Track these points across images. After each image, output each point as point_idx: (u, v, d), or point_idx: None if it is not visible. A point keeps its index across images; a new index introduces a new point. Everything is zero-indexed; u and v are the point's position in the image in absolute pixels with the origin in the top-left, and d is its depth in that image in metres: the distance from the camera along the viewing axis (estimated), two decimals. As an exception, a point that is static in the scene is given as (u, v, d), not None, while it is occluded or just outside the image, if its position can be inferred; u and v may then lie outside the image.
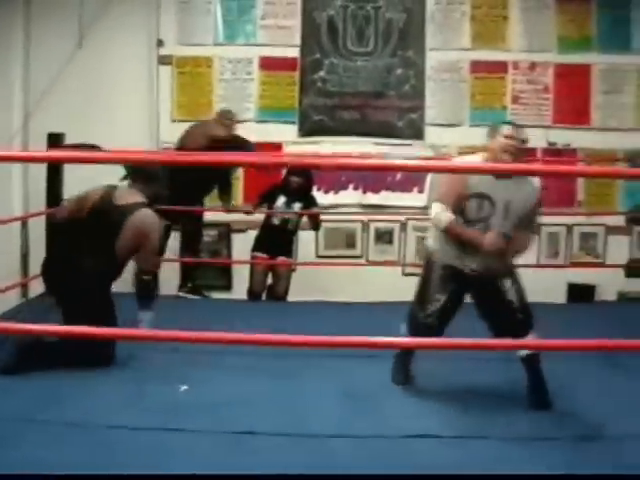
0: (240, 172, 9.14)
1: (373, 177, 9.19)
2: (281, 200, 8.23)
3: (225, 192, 8.51)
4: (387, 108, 9.27)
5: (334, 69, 9.27)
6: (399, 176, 9.09)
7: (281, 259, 8.33)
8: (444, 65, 9.29)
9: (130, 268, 5.95)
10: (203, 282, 8.84)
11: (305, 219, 8.39)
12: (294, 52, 9.28)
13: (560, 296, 8.91)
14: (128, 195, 5.76)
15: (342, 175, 9.22)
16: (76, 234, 5.72)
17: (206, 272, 9.04)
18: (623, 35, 9.21)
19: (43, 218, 8.01)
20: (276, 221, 8.29)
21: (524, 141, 5.01)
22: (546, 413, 4.77)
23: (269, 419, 4.51)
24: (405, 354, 5.23)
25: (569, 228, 9.37)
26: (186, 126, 8.45)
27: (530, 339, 4.88)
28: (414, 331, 5.00)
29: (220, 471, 3.75)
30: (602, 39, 9.23)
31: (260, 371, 5.34)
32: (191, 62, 9.27)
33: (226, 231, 9.30)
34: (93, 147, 7.59)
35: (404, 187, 9.09)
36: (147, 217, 5.71)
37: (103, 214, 5.64)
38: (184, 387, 5.03)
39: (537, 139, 9.19)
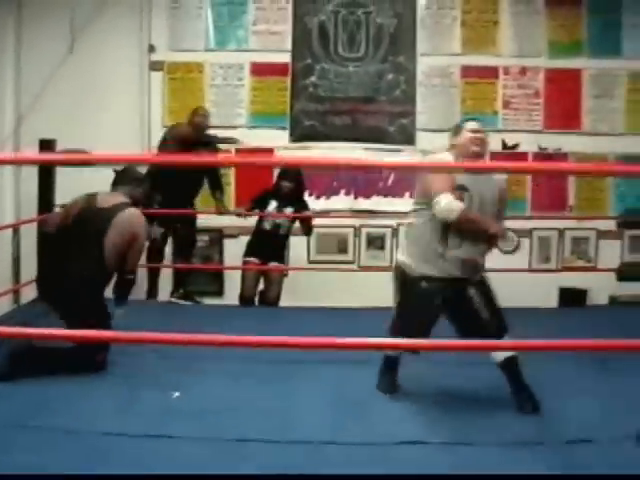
0: (232, 177, 9.15)
1: (364, 182, 9.20)
2: (272, 205, 8.23)
3: (216, 187, 8.51)
4: (378, 113, 9.28)
5: (325, 74, 9.28)
6: (390, 181, 9.10)
7: (273, 264, 8.33)
8: (435, 70, 9.30)
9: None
10: (195, 288, 8.86)
11: (297, 224, 8.39)
12: (285, 57, 9.29)
13: (552, 300, 8.92)
14: (111, 198, 5.82)
15: (334, 180, 9.23)
16: (64, 242, 5.76)
17: (198, 278, 9.05)
18: (613, 40, 9.23)
19: (35, 225, 8.02)
20: (268, 226, 8.28)
21: (486, 135, 5.18)
22: (536, 417, 4.79)
23: (260, 425, 4.52)
24: (391, 365, 5.25)
25: (560, 232, 9.38)
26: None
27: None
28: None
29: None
30: (592, 44, 9.25)
31: (252, 377, 5.35)
32: (182, 68, 9.27)
33: (218, 237, 9.30)
34: (84, 154, 7.58)
35: (395, 192, 9.10)
36: (132, 216, 5.75)
37: (88, 219, 5.68)
38: (176, 394, 5.03)
39: (528, 144, 9.26)
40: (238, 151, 8.96)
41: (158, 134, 8.71)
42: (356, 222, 9.31)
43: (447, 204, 4.82)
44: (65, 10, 8.82)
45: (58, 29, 8.86)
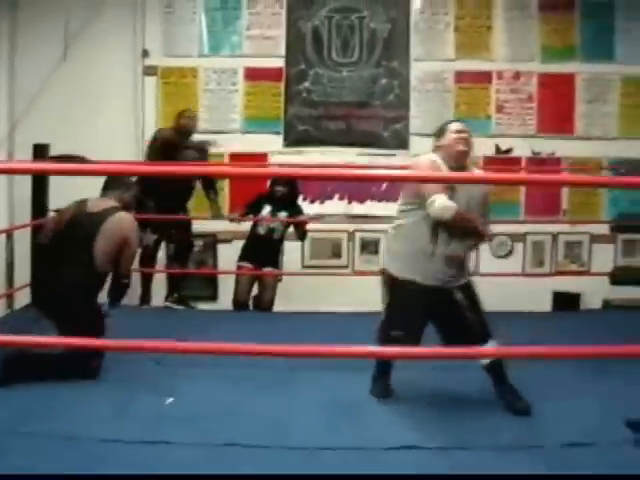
0: (226, 182, 9.15)
1: (358, 187, 9.19)
2: (266, 210, 8.23)
3: (210, 188, 8.49)
4: (372, 118, 9.29)
5: (319, 79, 9.29)
6: (384, 186, 9.10)
7: (267, 269, 8.33)
8: (428, 75, 9.32)
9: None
10: (189, 293, 8.85)
11: (291, 229, 8.39)
12: (279, 62, 9.30)
13: (545, 304, 8.94)
14: (101, 203, 5.84)
15: (327, 185, 9.23)
16: (56, 248, 5.78)
17: (192, 282, 9.05)
18: (606, 44, 9.26)
19: (28, 229, 8.01)
20: (262, 231, 8.28)
21: (470, 135, 5.19)
22: (530, 421, 4.80)
23: (255, 431, 4.52)
24: (384, 369, 5.27)
25: (554, 237, 9.40)
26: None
27: (490, 347, 4.96)
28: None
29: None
30: (585, 48, 9.27)
31: (247, 382, 5.35)
32: (176, 72, 9.27)
33: (212, 242, 9.30)
34: (79, 158, 7.59)
35: (389, 197, 9.07)
36: (122, 220, 5.76)
37: (78, 224, 5.70)
38: (170, 399, 5.03)
39: (521, 148, 9.27)
40: (232, 156, 9.00)
41: (152, 139, 8.70)
42: (350, 227, 9.32)
43: (442, 204, 4.85)
44: (59, 15, 8.83)
45: (52, 34, 8.86)
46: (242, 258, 8.36)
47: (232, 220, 8.55)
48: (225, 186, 9.19)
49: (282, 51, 9.29)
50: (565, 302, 8.97)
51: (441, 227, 4.96)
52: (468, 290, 5.16)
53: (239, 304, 8.31)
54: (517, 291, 8.38)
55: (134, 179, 6.60)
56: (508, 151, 9.31)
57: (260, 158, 9.07)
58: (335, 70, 9.28)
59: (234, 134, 9.25)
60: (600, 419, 4.77)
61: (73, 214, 5.81)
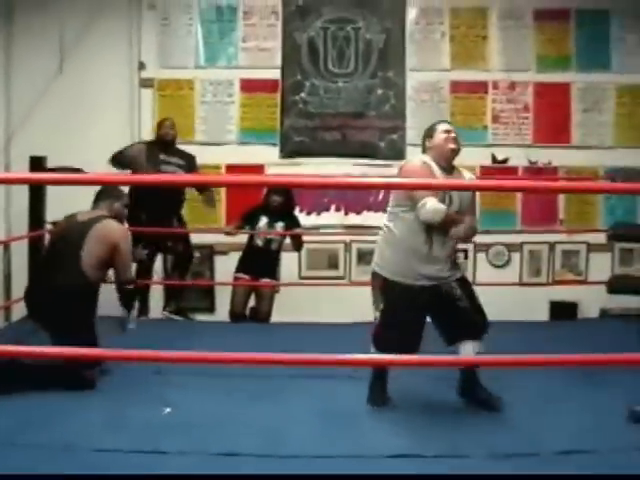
0: (222, 194, 9.16)
1: (355, 198, 9.19)
2: (263, 221, 8.24)
3: (202, 190, 8.48)
4: (368, 129, 9.29)
5: (315, 90, 9.29)
6: (381, 196, 9.09)
7: (265, 280, 8.33)
8: (424, 85, 9.32)
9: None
10: (186, 304, 8.83)
11: (288, 240, 8.39)
12: (275, 74, 9.29)
13: (543, 314, 8.94)
14: (91, 212, 5.90)
15: (324, 196, 9.23)
16: (48, 260, 5.84)
17: (189, 294, 9.03)
18: (602, 54, 9.27)
19: (26, 241, 8.02)
20: (259, 242, 8.29)
21: (456, 134, 5.30)
22: (527, 429, 4.80)
23: (251, 440, 4.52)
24: (380, 376, 5.27)
25: (551, 246, 9.39)
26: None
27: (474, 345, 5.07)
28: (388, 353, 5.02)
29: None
30: (581, 58, 9.28)
31: (242, 392, 5.36)
32: (172, 84, 9.27)
33: (209, 253, 9.29)
34: (76, 170, 7.59)
35: (386, 207, 9.07)
36: (108, 226, 5.82)
37: (67, 234, 5.78)
38: (167, 409, 5.03)
39: (518, 158, 9.28)
40: (228, 168, 9.02)
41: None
42: (347, 237, 9.31)
43: (432, 207, 4.91)
44: (54, 28, 8.83)
45: (48, 47, 8.86)
46: (239, 269, 8.36)
47: (227, 233, 8.53)
48: (222, 197, 9.19)
49: (278, 62, 9.30)
50: (562, 311, 8.96)
51: (435, 229, 5.02)
52: (464, 283, 5.26)
53: (236, 315, 8.31)
54: (514, 301, 8.38)
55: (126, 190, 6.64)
56: (505, 161, 9.31)
57: (256, 169, 9.07)
58: (331, 81, 9.29)
59: (230, 145, 9.25)
60: (597, 428, 4.77)
61: (64, 226, 5.90)
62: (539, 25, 9.30)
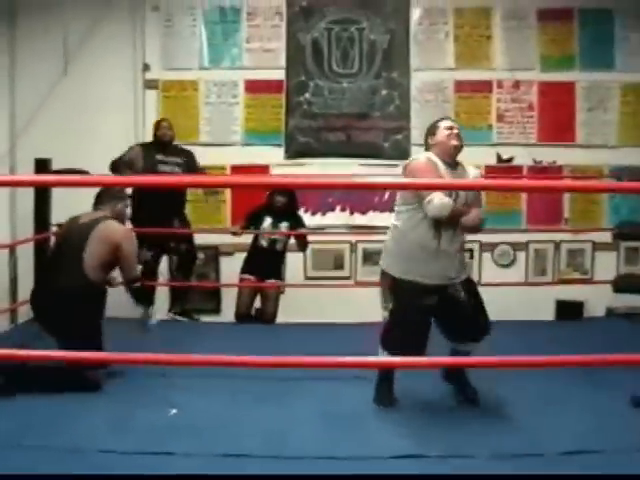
0: (227, 195, 9.18)
1: (360, 198, 9.20)
2: (267, 221, 8.24)
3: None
4: (372, 129, 9.29)
5: (319, 91, 9.30)
6: (386, 196, 9.09)
7: (270, 281, 8.33)
8: (428, 85, 9.32)
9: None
10: (192, 306, 8.83)
11: (292, 240, 8.39)
12: (279, 74, 9.30)
13: (549, 313, 8.93)
14: (92, 214, 5.91)
15: (329, 196, 9.23)
16: (51, 262, 5.88)
17: (194, 295, 9.04)
18: (605, 53, 9.26)
19: (31, 244, 8.03)
20: (264, 243, 8.29)
21: (459, 129, 5.33)
22: (531, 429, 4.80)
23: (257, 441, 4.53)
24: (387, 376, 5.28)
25: (556, 245, 9.39)
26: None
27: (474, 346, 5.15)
28: (397, 353, 5.02)
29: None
30: (584, 57, 9.27)
31: (248, 394, 5.36)
32: (177, 86, 9.28)
33: (214, 254, 9.30)
34: (81, 172, 7.60)
35: (391, 207, 9.03)
36: (113, 227, 5.85)
37: (70, 235, 5.80)
38: (173, 411, 5.04)
39: (523, 157, 9.27)
40: (233, 169, 9.04)
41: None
42: (352, 238, 9.31)
43: (439, 202, 4.92)
44: (58, 30, 8.84)
45: (51, 49, 8.87)
46: (244, 270, 8.37)
47: (234, 234, 8.53)
48: (227, 198, 9.20)
49: (282, 63, 9.30)
50: (568, 310, 8.95)
51: (443, 224, 5.03)
52: (469, 284, 5.28)
53: (241, 316, 8.31)
54: (520, 300, 8.38)
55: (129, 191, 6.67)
56: (509, 160, 9.31)
57: (261, 170, 9.07)
58: (335, 81, 9.29)
59: (235, 146, 9.26)
60: (602, 428, 4.77)
61: (67, 228, 5.92)
62: (543, 25, 9.29)
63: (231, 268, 8.76)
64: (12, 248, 8.70)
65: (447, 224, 5.04)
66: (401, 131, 9.29)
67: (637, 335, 6.67)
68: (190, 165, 8.34)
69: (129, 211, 7.28)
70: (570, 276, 9.39)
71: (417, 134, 9.03)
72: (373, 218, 9.27)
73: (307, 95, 9.31)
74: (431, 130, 5.33)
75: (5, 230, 8.82)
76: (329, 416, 4.99)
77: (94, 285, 5.74)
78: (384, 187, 7.96)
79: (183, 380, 5.40)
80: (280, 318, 8.34)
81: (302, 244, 8.44)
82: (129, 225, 6.57)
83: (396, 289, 5.23)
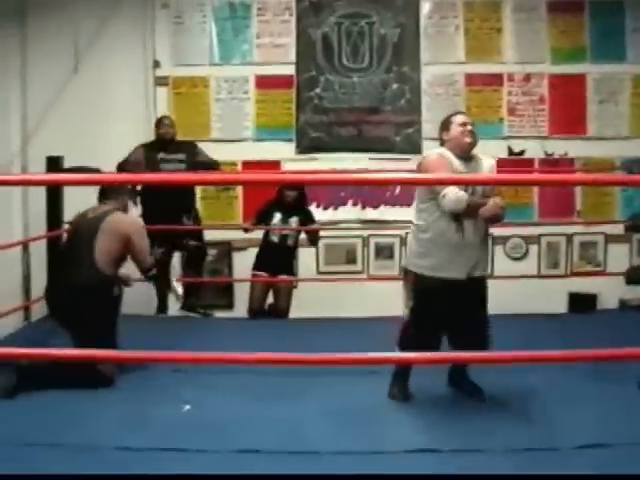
0: (239, 190, 9.19)
1: (372, 192, 9.19)
2: (277, 217, 8.22)
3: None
4: (383, 123, 9.28)
5: (330, 86, 9.30)
6: (397, 191, 9.09)
7: (282, 277, 8.34)
8: (439, 79, 9.31)
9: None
10: (205, 301, 8.86)
11: (303, 234, 8.39)
12: (290, 70, 9.31)
13: (561, 306, 8.92)
14: (98, 208, 5.94)
15: (341, 191, 9.23)
16: (63, 258, 5.92)
17: (208, 291, 9.06)
18: (616, 44, 9.24)
19: (44, 242, 8.05)
20: (275, 239, 8.28)
21: (473, 126, 5.30)
22: (546, 424, 4.79)
23: (271, 437, 4.53)
24: (403, 372, 5.28)
25: (569, 238, 9.38)
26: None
27: None
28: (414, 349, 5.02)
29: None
30: (595, 49, 9.25)
31: (262, 389, 5.36)
32: (187, 82, 9.29)
33: (227, 250, 9.31)
34: (93, 170, 7.62)
35: (403, 201, 9.04)
36: (121, 219, 5.89)
37: (79, 230, 5.83)
38: (187, 407, 5.05)
39: (534, 150, 9.26)
40: (245, 165, 9.05)
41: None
42: (364, 232, 9.32)
43: (453, 196, 4.90)
44: (69, 29, 8.87)
45: (62, 48, 8.89)
46: (256, 267, 8.36)
47: (245, 230, 8.53)
48: (239, 194, 9.21)
49: (292, 58, 9.31)
50: (581, 303, 8.94)
51: (463, 217, 5.02)
52: (483, 290, 5.27)
53: (254, 312, 8.31)
54: (533, 293, 8.38)
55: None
56: (521, 153, 9.30)
57: (273, 166, 9.08)
58: (346, 76, 9.29)
59: (246, 142, 9.27)
60: (617, 421, 4.76)
61: (75, 224, 5.95)
62: (553, 17, 9.28)
63: (244, 263, 8.77)
64: (25, 246, 8.73)
65: (467, 216, 5.03)
66: (412, 125, 9.29)
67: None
68: (194, 159, 8.33)
69: (139, 208, 7.35)
70: (583, 269, 9.38)
71: (428, 128, 9.04)
72: (385, 212, 9.27)
73: (318, 90, 9.31)
74: (445, 125, 5.33)
75: (18, 228, 8.85)
76: (344, 411, 4.98)
77: (108, 278, 5.75)
78: (395, 183, 7.97)
79: (197, 376, 5.42)
80: (293, 313, 8.35)
81: (313, 238, 8.44)
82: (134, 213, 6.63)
83: (420, 286, 5.22)
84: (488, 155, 5.47)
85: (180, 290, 7.96)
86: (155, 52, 9.21)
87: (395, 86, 9.31)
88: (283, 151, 9.24)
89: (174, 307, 8.54)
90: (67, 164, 8.03)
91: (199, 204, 8.79)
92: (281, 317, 8.29)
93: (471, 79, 9.30)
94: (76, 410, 4.96)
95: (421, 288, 5.20)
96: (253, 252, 8.53)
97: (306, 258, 8.95)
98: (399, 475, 4.02)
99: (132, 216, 6.16)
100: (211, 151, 8.54)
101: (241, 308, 8.69)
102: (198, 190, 8.78)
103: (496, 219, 5.14)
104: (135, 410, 4.99)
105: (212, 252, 9.08)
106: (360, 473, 4.03)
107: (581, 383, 5.40)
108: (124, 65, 9.06)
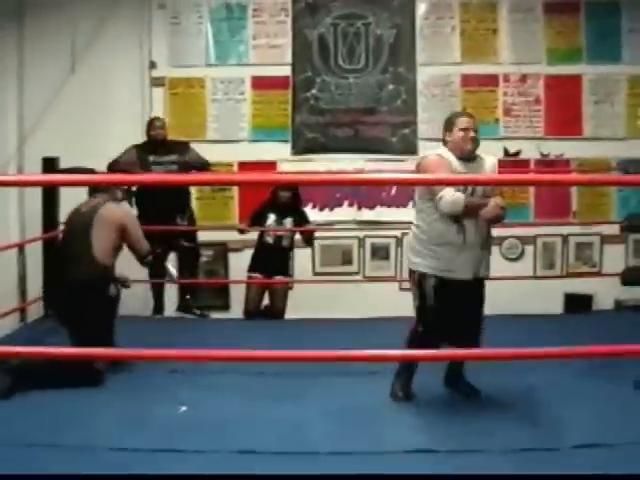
0: (235, 191, 9.19)
1: (367, 193, 9.19)
2: (272, 218, 8.21)
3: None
4: (379, 124, 9.28)
5: (326, 86, 9.29)
6: (393, 191, 9.10)
7: (278, 278, 8.33)
8: (435, 80, 9.31)
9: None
10: (201, 302, 8.85)
11: (298, 235, 8.39)
12: (286, 71, 9.30)
13: (557, 306, 8.92)
14: (90, 201, 5.97)
15: (337, 192, 9.23)
16: (60, 254, 5.94)
17: (203, 292, 9.06)
18: (612, 45, 9.24)
19: (40, 243, 8.05)
20: (270, 240, 8.27)
21: (476, 130, 5.25)
22: (544, 424, 4.80)
23: (269, 437, 4.53)
24: (407, 371, 5.27)
25: (564, 238, 9.38)
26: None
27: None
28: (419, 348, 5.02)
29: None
30: (591, 50, 9.25)
31: (260, 390, 5.36)
32: (184, 83, 9.29)
33: (223, 250, 9.30)
34: (89, 171, 7.61)
35: (399, 202, 9.07)
36: (113, 209, 5.94)
37: (73, 226, 5.85)
38: (183, 408, 5.04)
39: (530, 150, 9.26)
40: (241, 165, 9.05)
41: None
42: (360, 233, 9.31)
43: (450, 198, 4.89)
44: (66, 30, 8.86)
45: (59, 48, 8.89)
46: (251, 269, 8.35)
47: (240, 232, 8.52)
48: (234, 195, 9.21)
49: (288, 59, 9.30)
50: (577, 303, 8.95)
51: (463, 217, 5.01)
52: (481, 289, 5.29)
53: (250, 313, 8.31)
54: (528, 293, 8.38)
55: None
56: (516, 154, 9.30)
57: (269, 166, 9.08)
58: (342, 77, 9.29)
59: (242, 143, 9.27)
60: (614, 421, 4.76)
61: (69, 220, 5.99)
62: (549, 17, 9.28)
63: (240, 264, 8.76)
64: (21, 247, 8.72)
65: (467, 217, 5.01)
66: (408, 125, 9.29)
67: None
68: (186, 160, 8.32)
69: (135, 209, 7.36)
70: (578, 269, 9.38)
71: (424, 128, 9.07)
72: (381, 213, 9.26)
73: (314, 91, 9.31)
74: (448, 126, 5.29)
75: (14, 229, 8.84)
76: (343, 412, 4.98)
77: (107, 269, 5.77)
78: (390, 183, 7.97)
79: (195, 377, 5.42)
80: (289, 314, 8.34)
81: (308, 239, 8.44)
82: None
83: (421, 285, 5.21)
84: (490, 153, 5.47)
85: (174, 271, 7.97)
86: (151, 53, 9.20)
87: (391, 87, 9.31)
88: (279, 152, 9.24)
89: (170, 308, 8.55)
90: (63, 164, 8.03)
91: (195, 204, 8.80)
92: (277, 318, 8.29)
93: (467, 80, 9.30)
94: (74, 410, 4.96)
95: (426, 287, 5.18)
96: (249, 253, 8.52)
97: (302, 259, 8.94)
98: (399, 475, 4.02)
99: (123, 206, 6.18)
100: (207, 152, 8.53)
101: (237, 309, 8.69)
102: (194, 190, 8.77)
103: (497, 219, 5.11)
104: (133, 410, 4.99)
105: (208, 253, 9.08)
106: (360, 473, 4.03)
107: (577, 383, 5.41)
108: (121, 66, 9.06)
